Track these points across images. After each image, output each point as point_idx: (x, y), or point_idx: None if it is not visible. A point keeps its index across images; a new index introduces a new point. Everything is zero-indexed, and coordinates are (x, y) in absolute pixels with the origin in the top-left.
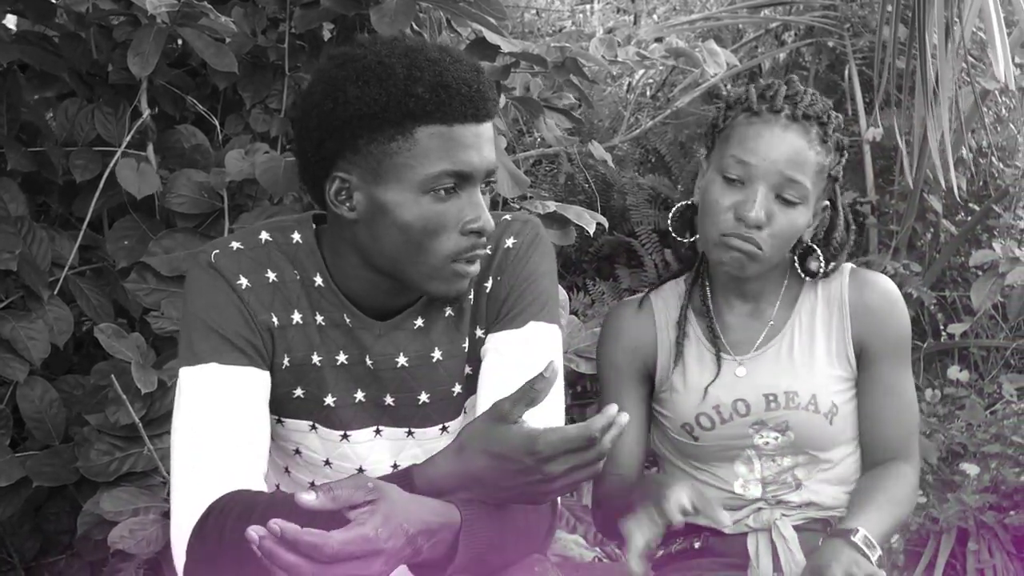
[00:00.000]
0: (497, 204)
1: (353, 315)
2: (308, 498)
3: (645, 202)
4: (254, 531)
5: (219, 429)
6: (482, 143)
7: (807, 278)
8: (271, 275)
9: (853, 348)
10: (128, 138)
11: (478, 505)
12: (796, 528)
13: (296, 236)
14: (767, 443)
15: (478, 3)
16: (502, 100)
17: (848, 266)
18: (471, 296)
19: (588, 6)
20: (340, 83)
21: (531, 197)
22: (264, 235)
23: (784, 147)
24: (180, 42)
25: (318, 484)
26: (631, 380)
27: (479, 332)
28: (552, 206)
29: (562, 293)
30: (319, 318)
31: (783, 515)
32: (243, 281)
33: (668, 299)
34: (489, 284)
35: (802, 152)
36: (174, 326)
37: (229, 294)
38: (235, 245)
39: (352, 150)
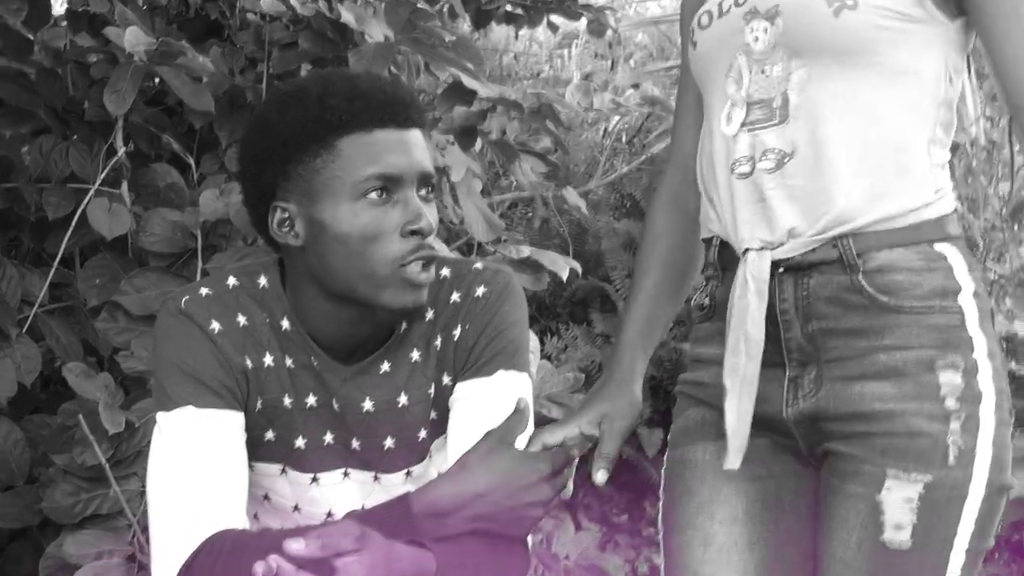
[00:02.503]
0: (472, 248)
1: (320, 357)
2: (296, 545)
3: (620, 247)
4: (259, 567)
5: (200, 471)
6: (409, 147)
7: None
8: (241, 319)
9: None
10: (102, 176)
11: (455, 551)
12: (809, 252)
13: (263, 280)
14: (756, 38)
15: (456, 48)
16: (478, 144)
17: None
18: (438, 342)
19: (566, 51)
20: (263, 115)
21: (506, 241)
22: (232, 280)
23: None
24: (157, 80)
25: (303, 528)
26: (686, 36)
27: (446, 379)
28: (526, 251)
29: (533, 339)
30: (288, 360)
31: (759, 202)
32: (215, 325)
33: None
34: (458, 332)
35: None
36: (144, 366)
37: (202, 338)
38: (204, 291)
39: (284, 177)
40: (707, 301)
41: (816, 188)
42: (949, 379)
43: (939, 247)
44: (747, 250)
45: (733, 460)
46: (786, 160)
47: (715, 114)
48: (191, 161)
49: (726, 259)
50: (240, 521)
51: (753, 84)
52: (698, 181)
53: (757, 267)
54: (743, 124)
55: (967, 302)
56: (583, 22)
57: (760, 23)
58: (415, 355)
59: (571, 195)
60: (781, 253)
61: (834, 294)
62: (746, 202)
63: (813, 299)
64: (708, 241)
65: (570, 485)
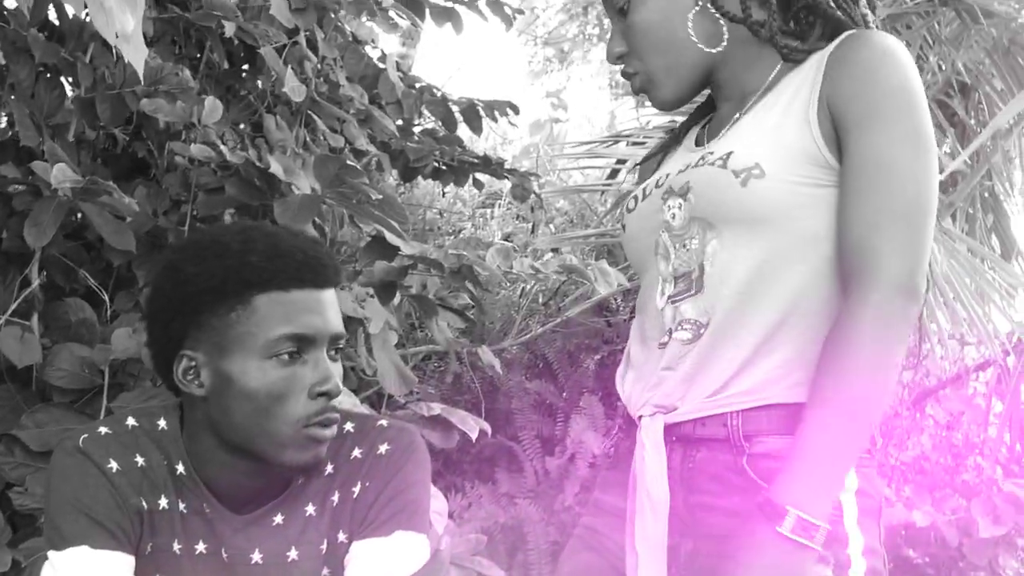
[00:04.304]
0: (382, 399)
1: (212, 505)
2: None
3: (530, 407)
4: None
5: None
6: (323, 308)
7: (793, 60)
8: (140, 460)
9: (821, 112)
10: (14, 306)
11: None
12: (700, 426)
13: (162, 422)
14: (673, 216)
15: (381, 205)
16: (397, 297)
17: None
18: (336, 498)
19: (489, 210)
20: (179, 264)
21: (418, 395)
22: (131, 421)
23: None
24: (79, 215)
25: None
26: None
27: (342, 536)
28: (437, 409)
29: (441, 499)
30: (182, 505)
31: (666, 369)
32: (113, 464)
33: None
34: (357, 489)
35: None
36: (36, 503)
37: (99, 477)
38: (103, 430)
39: (196, 327)
40: (612, 450)
41: (721, 358)
42: (819, 573)
43: None
44: (640, 416)
45: None
46: (702, 331)
47: (648, 291)
48: (106, 297)
49: (630, 417)
50: None
51: (677, 258)
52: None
53: (652, 429)
54: (669, 297)
55: (848, 499)
56: (506, 184)
57: (675, 200)
58: (310, 509)
59: (486, 354)
60: (673, 417)
61: (718, 472)
62: (655, 369)
63: (697, 473)
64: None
65: None
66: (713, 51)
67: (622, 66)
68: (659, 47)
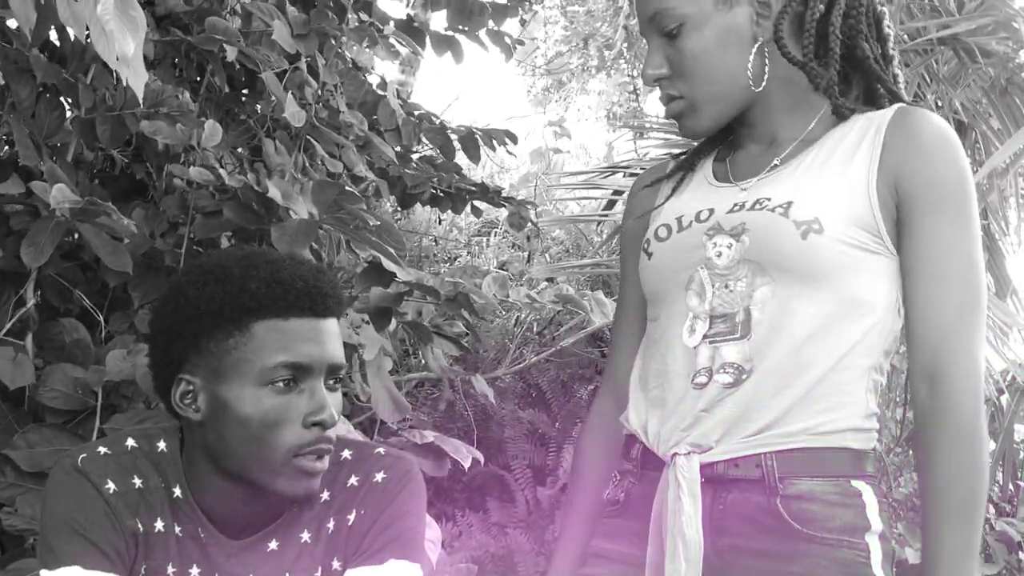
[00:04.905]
0: (375, 425)
1: (207, 530)
2: None
3: (523, 436)
4: None
5: None
6: (322, 337)
7: (839, 115)
8: (137, 481)
9: (882, 184)
10: (8, 326)
11: None
12: (735, 466)
13: (162, 444)
14: (719, 253)
15: (379, 231)
16: (392, 323)
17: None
18: (331, 525)
19: (485, 239)
20: (182, 287)
21: (410, 422)
22: (130, 442)
23: None
24: (76, 236)
25: None
26: (630, 252)
27: (336, 564)
28: (430, 436)
29: (435, 528)
30: (178, 529)
31: (704, 411)
32: (110, 485)
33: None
34: (352, 516)
35: None
36: (27, 525)
37: (96, 498)
38: (102, 450)
39: (195, 351)
40: (621, 496)
41: (762, 406)
42: None
43: (856, 483)
44: (675, 454)
45: None
46: (744, 377)
47: (673, 325)
48: (100, 319)
49: (647, 459)
50: None
51: (716, 298)
52: (632, 382)
53: (687, 469)
54: (705, 336)
55: (874, 542)
56: (503, 212)
57: (724, 238)
58: (305, 536)
59: (479, 383)
60: (707, 457)
61: (750, 514)
62: (692, 410)
63: (728, 515)
64: (632, 437)
65: None
66: (756, 89)
67: (666, 87)
68: (711, 76)
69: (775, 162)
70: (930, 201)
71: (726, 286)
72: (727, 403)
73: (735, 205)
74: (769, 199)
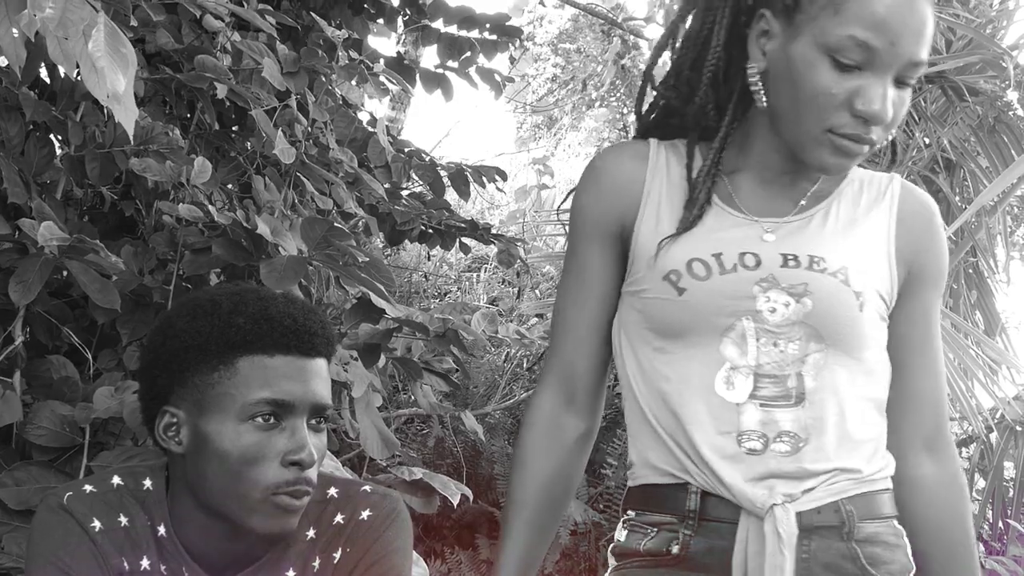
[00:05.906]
0: (364, 462)
1: (191, 568)
2: None
3: None
4: None
5: None
6: (307, 376)
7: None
8: (123, 519)
9: (899, 262)
10: None
11: None
12: (818, 513)
13: (147, 483)
14: (773, 309)
15: (368, 268)
16: (382, 360)
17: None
18: (317, 563)
19: (474, 275)
20: (171, 320)
21: (400, 459)
22: (116, 479)
23: (916, 20)
24: (65, 273)
25: None
26: (600, 237)
27: None
28: (419, 473)
29: (423, 567)
30: (163, 567)
31: (777, 478)
32: (96, 524)
33: (670, 156)
34: (338, 555)
35: (928, 20)
36: (13, 563)
37: (81, 536)
38: (87, 488)
39: (180, 383)
40: (676, 549)
41: (823, 459)
42: None
43: (897, 524)
44: (773, 505)
45: None
46: (801, 445)
47: (700, 371)
48: (89, 356)
49: (708, 509)
50: None
51: (764, 355)
52: (654, 422)
53: (787, 522)
54: (752, 396)
55: None
56: (493, 248)
57: (781, 296)
58: (291, 574)
59: (469, 419)
60: (798, 506)
61: (832, 560)
62: (755, 473)
63: (813, 563)
64: (677, 487)
65: None
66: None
67: (861, 131)
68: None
69: (801, 203)
70: (933, 277)
71: (775, 344)
72: (785, 465)
73: (787, 259)
74: (823, 259)
